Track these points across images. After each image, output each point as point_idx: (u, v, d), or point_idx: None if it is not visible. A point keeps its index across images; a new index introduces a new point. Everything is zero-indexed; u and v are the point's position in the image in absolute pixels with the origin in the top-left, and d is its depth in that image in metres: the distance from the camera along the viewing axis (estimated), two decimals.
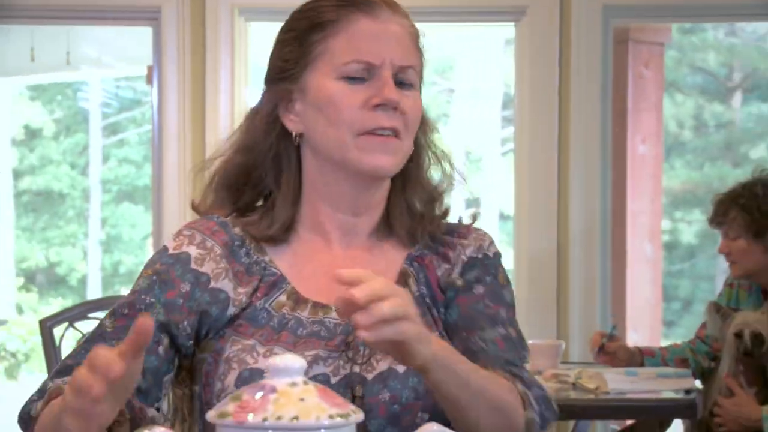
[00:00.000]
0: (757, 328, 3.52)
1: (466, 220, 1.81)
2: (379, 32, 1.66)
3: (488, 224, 12.33)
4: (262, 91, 1.75)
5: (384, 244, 1.72)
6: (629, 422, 3.88)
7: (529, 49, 4.56)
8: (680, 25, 10.38)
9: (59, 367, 1.59)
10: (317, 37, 1.66)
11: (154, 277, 1.65)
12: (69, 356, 1.62)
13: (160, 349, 1.61)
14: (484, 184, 12.42)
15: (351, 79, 1.65)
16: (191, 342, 1.64)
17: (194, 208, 1.78)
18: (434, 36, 11.09)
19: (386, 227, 1.73)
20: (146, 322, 1.24)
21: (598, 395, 3.41)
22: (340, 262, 1.67)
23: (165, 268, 1.66)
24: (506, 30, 7.18)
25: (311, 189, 1.70)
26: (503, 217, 11.87)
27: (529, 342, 4.07)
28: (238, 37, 4.52)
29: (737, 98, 12.35)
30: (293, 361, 1.21)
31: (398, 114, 1.65)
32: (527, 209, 4.55)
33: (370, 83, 1.65)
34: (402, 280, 1.69)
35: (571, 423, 4.19)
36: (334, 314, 1.62)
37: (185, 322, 1.63)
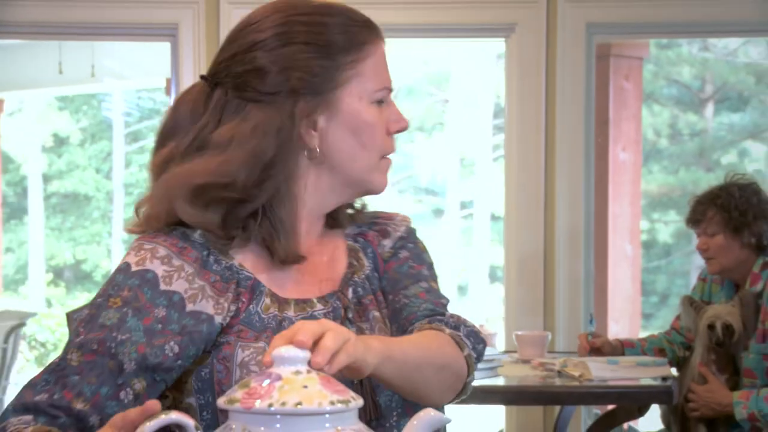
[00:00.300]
0: (729, 320, 3.52)
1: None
2: (386, 57, 1.61)
3: (480, 224, 12.32)
4: (267, 100, 1.53)
5: (328, 232, 1.64)
6: (611, 407, 3.88)
7: (518, 63, 4.55)
8: (657, 41, 10.38)
9: (17, 401, 1.42)
10: (350, 57, 1.54)
11: (126, 309, 1.46)
12: (29, 385, 1.43)
13: (122, 394, 1.43)
14: (476, 188, 12.41)
15: (378, 103, 1.58)
16: (178, 362, 1.46)
17: (148, 222, 1.56)
18: (431, 50, 11.09)
19: (328, 218, 1.65)
20: (155, 407, 1.20)
21: (582, 382, 3.40)
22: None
23: (133, 294, 1.47)
24: (497, 45, 7.18)
25: (295, 198, 1.55)
26: (494, 218, 11.86)
27: (518, 333, 4.10)
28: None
29: (709, 109, 12.35)
30: (297, 350, 1.21)
31: None
32: (516, 211, 4.55)
33: (385, 108, 1.59)
34: (353, 254, 1.63)
35: (557, 408, 4.19)
36: (319, 305, 1.55)
37: (171, 342, 1.46)
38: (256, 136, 1.51)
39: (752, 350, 3.51)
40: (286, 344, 1.23)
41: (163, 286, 1.49)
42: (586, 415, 4.53)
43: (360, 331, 1.55)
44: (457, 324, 1.60)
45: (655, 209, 12.29)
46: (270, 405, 1.15)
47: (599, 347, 3.80)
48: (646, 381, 3.44)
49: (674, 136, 12.35)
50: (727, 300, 3.64)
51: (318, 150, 1.54)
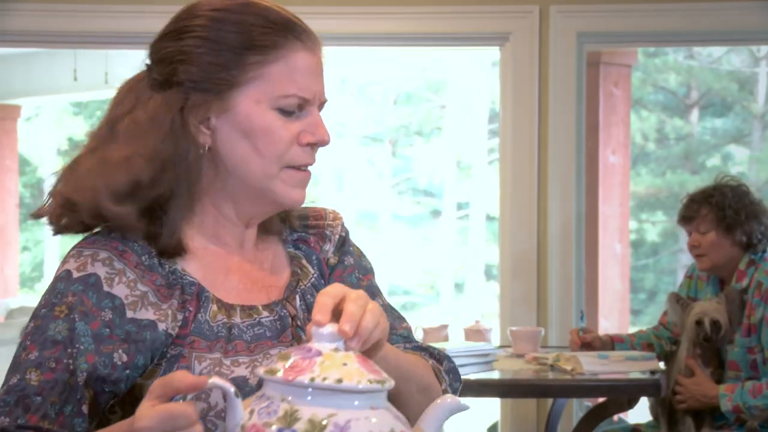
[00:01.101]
0: (716, 316, 3.51)
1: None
2: (313, 66, 1.44)
3: (476, 225, 12.31)
4: (155, 90, 1.44)
5: (264, 239, 1.53)
6: (601, 400, 3.87)
7: (512, 70, 4.54)
8: (645, 49, 10.37)
9: None
10: (254, 59, 1.41)
11: (73, 316, 1.35)
12: None
13: (84, 408, 1.34)
14: (472, 189, 12.40)
15: (283, 111, 1.42)
16: (127, 372, 1.35)
17: (76, 203, 1.41)
18: (429, 58, 11.09)
19: (261, 226, 1.53)
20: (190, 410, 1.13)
21: (574, 376, 3.39)
22: (243, 264, 1.48)
23: (78, 299, 1.36)
24: (492, 53, 7.17)
25: (208, 201, 1.46)
26: (489, 218, 11.85)
27: (513, 329, 4.09)
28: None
29: (695, 114, 12.34)
30: (335, 327, 1.20)
31: (316, 150, 1.47)
32: (511, 212, 4.54)
33: (301, 118, 1.43)
34: (296, 262, 1.53)
35: (550, 401, 4.18)
36: (265, 313, 1.45)
37: (120, 350, 1.35)
38: (153, 129, 1.41)
39: (737, 344, 3.50)
40: (333, 303, 1.21)
41: (106, 288, 1.38)
42: (577, 407, 4.53)
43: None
44: (441, 357, 1.55)
45: (643, 210, 12.28)
46: (312, 379, 1.14)
47: (590, 342, 3.80)
48: (635, 374, 3.43)
49: (661, 140, 12.34)
50: (713, 296, 3.63)
51: (208, 149, 1.43)
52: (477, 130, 12.10)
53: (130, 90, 1.48)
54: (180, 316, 1.39)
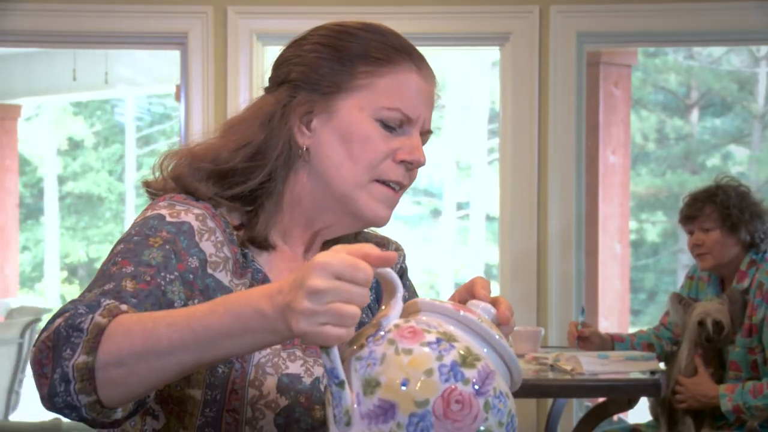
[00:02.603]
0: (718, 317, 3.50)
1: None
2: (423, 91, 1.46)
3: (476, 225, 12.31)
4: (272, 89, 1.49)
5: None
6: (601, 400, 3.87)
7: (512, 70, 4.54)
8: (645, 49, 10.38)
9: (80, 301, 1.25)
10: (366, 68, 1.43)
11: (168, 247, 1.34)
12: (82, 298, 1.27)
13: None
14: (472, 190, 12.40)
15: (384, 124, 1.43)
16: None
17: (176, 178, 1.45)
18: (429, 58, 11.08)
19: (332, 242, 1.53)
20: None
21: (573, 376, 3.39)
22: None
23: (172, 237, 1.36)
24: (492, 53, 7.18)
25: (293, 203, 1.47)
26: (489, 218, 11.85)
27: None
28: (256, 59, 4.51)
29: (695, 114, 12.34)
30: (490, 306, 1.26)
31: (410, 173, 1.47)
32: (511, 212, 4.54)
33: (401, 136, 1.44)
34: None
35: (550, 401, 4.18)
36: None
37: (196, 300, 1.35)
38: (252, 120, 1.45)
39: (738, 344, 3.50)
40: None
41: (197, 238, 1.37)
42: (577, 407, 4.53)
43: None
44: None
45: (643, 210, 12.28)
46: (480, 318, 1.18)
47: (587, 336, 3.79)
48: (635, 375, 3.43)
49: (661, 140, 12.34)
50: (713, 297, 3.63)
51: (307, 150, 1.44)
52: (477, 130, 12.10)
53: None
54: None
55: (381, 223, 1.48)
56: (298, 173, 1.46)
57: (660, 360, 3.70)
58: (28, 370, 6.60)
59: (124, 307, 1.22)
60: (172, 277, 1.32)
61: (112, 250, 1.36)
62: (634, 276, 10.96)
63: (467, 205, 12.53)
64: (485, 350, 1.17)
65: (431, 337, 1.14)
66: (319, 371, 1.40)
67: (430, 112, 1.48)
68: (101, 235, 12.47)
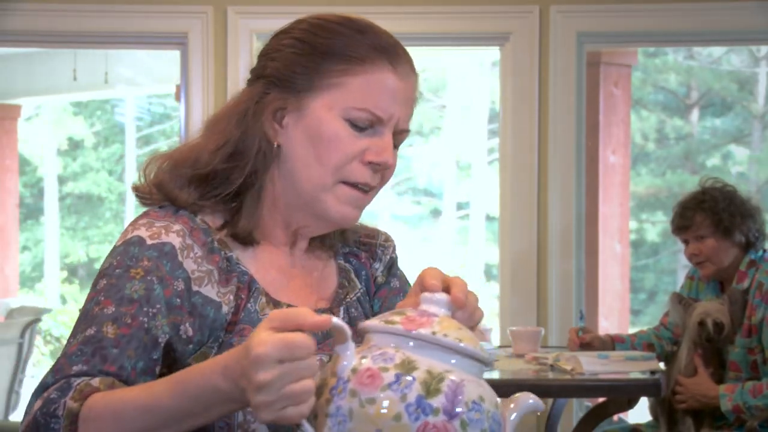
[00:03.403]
0: (719, 317, 3.50)
1: None
2: (398, 91, 1.43)
3: (476, 225, 12.31)
4: (251, 83, 1.48)
5: (317, 249, 1.53)
6: (601, 400, 3.87)
7: (512, 70, 4.54)
8: (645, 49, 10.38)
9: (58, 372, 1.29)
10: (338, 67, 1.41)
11: (150, 278, 1.34)
12: (65, 355, 1.30)
13: (157, 368, 1.33)
14: (472, 190, 12.40)
15: (353, 124, 1.41)
16: (190, 346, 1.36)
17: (158, 186, 1.45)
18: (429, 58, 11.10)
19: (317, 237, 1.53)
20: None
21: (573, 376, 3.39)
22: (293, 267, 1.49)
23: (154, 264, 1.36)
24: (492, 53, 7.18)
25: (270, 203, 1.46)
26: (489, 218, 11.85)
27: (513, 329, 4.08)
28: (255, 59, 4.51)
29: (695, 114, 12.34)
30: (443, 296, 1.22)
31: (381, 174, 1.45)
32: (510, 212, 4.54)
33: (371, 137, 1.42)
34: (344, 275, 1.54)
35: (550, 401, 4.18)
36: None
37: (186, 324, 1.35)
38: (227, 118, 1.45)
39: (738, 344, 3.50)
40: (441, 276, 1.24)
41: (180, 258, 1.37)
42: (577, 407, 4.53)
43: None
44: None
45: (643, 210, 12.28)
46: (433, 332, 1.15)
47: (589, 342, 3.79)
48: (635, 374, 3.43)
49: (661, 140, 12.34)
50: (713, 297, 3.63)
51: (279, 147, 1.44)
52: (477, 130, 12.10)
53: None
54: (234, 303, 1.40)
55: (348, 224, 1.47)
56: (272, 172, 1.45)
57: (660, 360, 3.70)
58: (29, 370, 6.60)
59: (95, 382, 1.25)
60: (154, 310, 1.33)
61: (95, 285, 1.37)
62: (634, 276, 10.96)
63: (467, 205, 12.53)
64: (453, 361, 1.15)
65: (390, 377, 1.13)
66: None
67: (406, 111, 1.46)
68: (101, 235, 12.47)
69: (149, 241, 1.37)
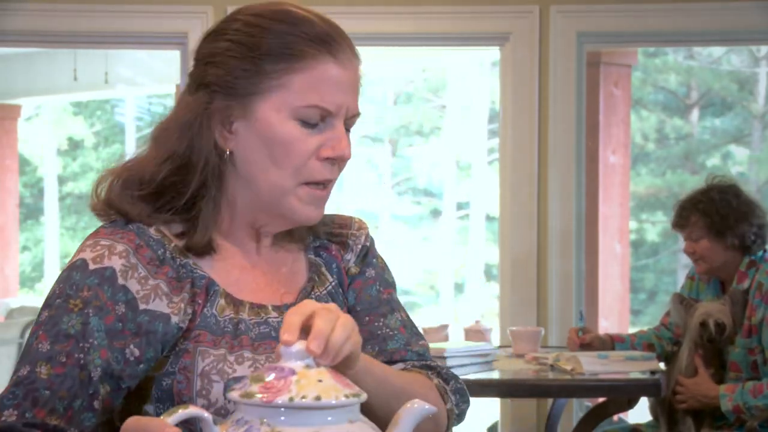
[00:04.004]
0: (720, 317, 3.50)
1: None
2: (342, 80, 1.40)
3: (476, 225, 12.31)
4: (188, 92, 1.44)
5: (285, 244, 1.51)
6: (601, 400, 3.87)
7: (512, 70, 4.54)
8: (645, 49, 10.38)
9: None
10: (279, 67, 1.38)
11: (87, 311, 1.34)
12: None
13: (96, 403, 1.33)
14: (472, 190, 12.40)
15: (304, 122, 1.39)
16: (141, 365, 1.35)
17: (108, 204, 1.44)
18: (429, 59, 11.10)
19: (286, 231, 1.52)
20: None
21: (573, 376, 3.39)
22: (259, 264, 1.48)
23: (93, 294, 1.35)
24: (492, 53, 7.17)
25: (230, 206, 1.45)
26: (489, 218, 11.85)
27: (513, 329, 4.08)
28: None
29: (695, 114, 12.35)
30: (303, 345, 1.20)
31: (338, 165, 1.43)
32: (511, 212, 4.54)
33: (323, 131, 1.40)
34: (314, 269, 1.52)
35: (550, 401, 4.18)
36: (273, 314, 1.43)
37: (131, 346, 1.35)
38: (172, 129, 1.42)
39: (738, 345, 3.50)
40: (300, 321, 1.20)
41: (121, 281, 1.36)
42: (577, 407, 4.52)
43: None
44: (448, 377, 1.53)
45: (643, 210, 12.29)
46: (291, 399, 1.14)
47: (589, 343, 3.80)
48: (635, 375, 3.43)
49: (661, 140, 12.35)
50: (714, 297, 3.63)
51: (231, 154, 1.41)
52: (477, 130, 12.10)
53: (179, 94, 1.50)
54: (189, 310, 1.39)
55: (313, 222, 1.46)
56: (228, 177, 1.44)
57: (660, 360, 3.70)
58: None
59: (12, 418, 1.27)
60: (88, 345, 1.33)
61: (39, 316, 1.37)
62: (634, 276, 10.96)
63: (467, 205, 12.53)
64: (317, 419, 1.14)
65: None
66: None
67: (354, 98, 1.43)
68: None
69: (91, 266, 1.37)
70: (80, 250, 1.40)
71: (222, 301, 1.41)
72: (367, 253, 1.58)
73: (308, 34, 1.40)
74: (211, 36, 1.45)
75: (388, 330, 1.53)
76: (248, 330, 1.40)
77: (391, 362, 1.50)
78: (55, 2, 4.54)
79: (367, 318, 1.53)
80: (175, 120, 1.43)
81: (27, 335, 5.89)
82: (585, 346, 3.78)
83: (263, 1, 1.46)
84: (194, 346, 1.37)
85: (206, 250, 1.43)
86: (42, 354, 1.32)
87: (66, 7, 4.55)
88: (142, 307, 1.36)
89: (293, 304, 1.42)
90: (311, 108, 1.39)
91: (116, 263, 1.37)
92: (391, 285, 1.59)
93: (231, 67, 1.40)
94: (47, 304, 1.37)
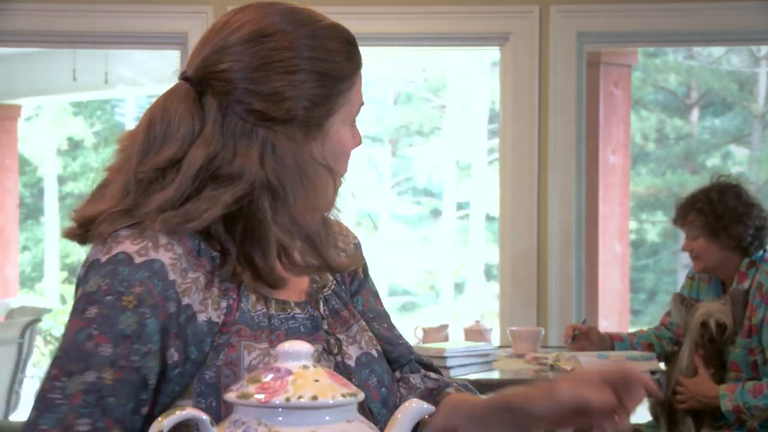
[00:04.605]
0: (721, 317, 3.50)
1: None
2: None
3: (476, 225, 12.31)
4: (270, 127, 1.38)
5: None
6: None
7: (512, 70, 4.54)
8: (645, 49, 10.38)
9: (63, 427, 1.27)
10: (347, 85, 1.43)
11: (142, 310, 1.31)
12: (71, 408, 1.28)
13: (144, 408, 1.32)
14: (472, 190, 12.40)
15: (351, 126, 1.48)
16: (177, 370, 1.33)
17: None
18: (429, 59, 11.10)
19: None
20: None
21: None
22: None
23: (146, 290, 1.31)
24: (492, 53, 7.17)
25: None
26: (489, 218, 11.85)
27: (513, 329, 4.08)
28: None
29: (695, 114, 12.35)
30: (301, 345, 1.20)
31: None
32: (511, 212, 4.54)
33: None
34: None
35: None
36: (297, 309, 1.43)
37: (172, 349, 1.33)
38: (264, 166, 1.37)
39: (738, 345, 3.50)
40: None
41: (171, 276, 1.33)
42: None
43: (338, 342, 1.46)
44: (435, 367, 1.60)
45: (643, 210, 12.29)
46: (287, 399, 1.14)
47: (586, 332, 3.77)
48: None
49: (661, 140, 12.35)
50: (714, 297, 3.63)
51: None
52: (477, 130, 12.10)
53: (186, 113, 1.41)
54: (224, 304, 1.36)
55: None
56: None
57: (660, 360, 3.70)
58: (29, 370, 6.60)
59: None
60: (146, 349, 1.30)
61: (83, 311, 1.32)
62: (634, 276, 10.96)
63: (467, 205, 12.53)
64: (315, 418, 1.15)
65: None
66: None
67: None
68: None
69: (137, 259, 1.33)
70: (117, 243, 1.34)
71: (253, 297, 1.40)
72: (361, 255, 1.60)
73: (354, 45, 1.45)
74: (280, 67, 1.40)
75: (399, 340, 1.57)
76: (281, 325, 1.41)
77: (414, 364, 1.57)
78: (55, 2, 4.54)
79: (385, 324, 1.57)
80: (262, 155, 1.38)
81: (27, 335, 5.83)
82: (581, 343, 3.76)
83: (285, 8, 1.44)
84: (238, 340, 1.35)
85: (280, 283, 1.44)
86: (105, 358, 1.29)
87: (66, 7, 4.55)
88: (184, 302, 1.34)
89: (306, 303, 1.46)
90: (358, 112, 1.47)
91: (163, 256, 1.34)
92: (378, 296, 1.62)
93: (316, 96, 1.40)
94: (94, 300, 1.31)
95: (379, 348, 1.51)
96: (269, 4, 1.43)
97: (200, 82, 1.42)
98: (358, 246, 1.60)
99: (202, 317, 1.35)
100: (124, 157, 1.43)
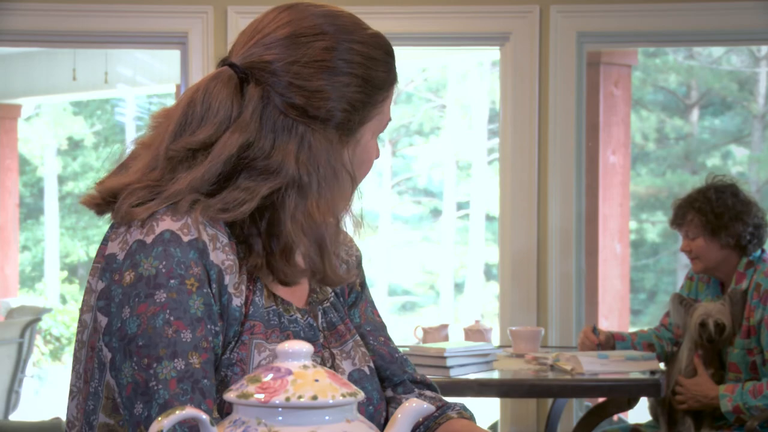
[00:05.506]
0: (720, 318, 3.50)
1: None
2: None
3: (476, 224, 12.31)
4: (310, 125, 1.40)
5: None
6: (601, 400, 3.87)
7: (512, 70, 4.54)
8: (645, 49, 10.38)
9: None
10: (382, 96, 1.45)
11: (205, 290, 1.34)
12: (174, 396, 1.30)
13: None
14: (472, 189, 12.40)
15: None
16: (219, 351, 1.37)
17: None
18: (429, 59, 11.10)
19: None
20: None
21: (573, 376, 3.39)
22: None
23: (201, 270, 1.34)
24: (492, 53, 7.18)
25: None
26: (489, 218, 11.86)
27: (513, 329, 4.08)
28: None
29: (695, 114, 12.35)
30: (301, 345, 1.20)
31: None
32: (511, 211, 4.54)
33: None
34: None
35: (550, 400, 4.18)
36: (298, 314, 1.44)
37: (216, 328, 1.37)
38: (298, 163, 1.39)
39: (737, 345, 3.50)
40: None
41: (212, 257, 1.35)
42: (577, 407, 4.53)
43: (332, 357, 1.47)
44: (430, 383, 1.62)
45: (643, 210, 12.29)
46: (287, 399, 1.14)
47: (604, 343, 3.79)
48: (635, 375, 3.43)
49: (661, 140, 12.35)
50: (713, 297, 3.63)
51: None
52: (477, 130, 12.10)
53: (226, 98, 1.41)
54: (244, 294, 1.39)
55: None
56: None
57: (660, 360, 3.70)
58: (28, 370, 6.60)
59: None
60: (216, 328, 1.34)
61: (151, 296, 1.32)
62: (634, 276, 10.96)
63: (467, 205, 12.53)
64: (314, 417, 1.15)
65: None
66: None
67: None
68: (101, 234, 12.40)
69: (184, 238, 1.34)
70: (156, 221, 1.34)
71: (265, 292, 1.41)
72: (360, 265, 1.60)
73: (394, 60, 1.48)
74: (324, 67, 1.41)
75: (396, 354, 1.58)
76: (289, 325, 1.42)
77: (407, 384, 1.57)
78: (55, 2, 4.54)
79: (381, 338, 1.57)
80: (299, 153, 1.40)
81: (27, 335, 5.83)
82: (600, 345, 3.77)
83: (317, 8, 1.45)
84: (250, 338, 1.37)
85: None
86: (188, 344, 1.31)
87: (66, 7, 4.55)
88: (225, 282, 1.36)
89: (306, 311, 1.46)
90: (386, 125, 1.49)
91: (204, 236, 1.35)
92: (375, 307, 1.63)
93: (356, 101, 1.42)
94: (157, 284, 1.32)
95: (371, 365, 1.52)
96: (313, 5, 1.46)
97: (245, 69, 1.42)
98: (359, 260, 1.60)
99: (236, 302, 1.37)
100: (156, 134, 1.44)
